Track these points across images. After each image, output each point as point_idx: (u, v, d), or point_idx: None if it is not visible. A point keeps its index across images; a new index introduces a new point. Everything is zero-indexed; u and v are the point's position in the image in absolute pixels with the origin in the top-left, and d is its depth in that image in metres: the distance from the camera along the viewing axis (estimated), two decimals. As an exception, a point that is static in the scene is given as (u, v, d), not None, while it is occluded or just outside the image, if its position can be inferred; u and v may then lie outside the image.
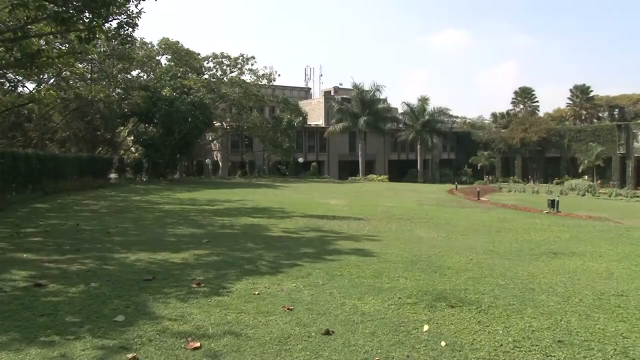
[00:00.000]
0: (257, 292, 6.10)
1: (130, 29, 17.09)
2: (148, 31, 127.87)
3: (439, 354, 4.29)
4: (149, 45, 43.43)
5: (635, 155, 56.78)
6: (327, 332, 4.73)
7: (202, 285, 6.41)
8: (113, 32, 16.95)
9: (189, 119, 35.98)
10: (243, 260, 8.14)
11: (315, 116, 63.20)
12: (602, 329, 5.01)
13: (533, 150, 62.98)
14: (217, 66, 47.09)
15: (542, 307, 5.71)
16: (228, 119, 48.75)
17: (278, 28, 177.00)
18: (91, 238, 10.50)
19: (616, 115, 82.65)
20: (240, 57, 47.02)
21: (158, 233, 11.39)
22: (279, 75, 49.52)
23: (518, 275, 7.38)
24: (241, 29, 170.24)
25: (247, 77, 47.48)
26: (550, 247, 10.29)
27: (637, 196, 42.08)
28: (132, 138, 41.90)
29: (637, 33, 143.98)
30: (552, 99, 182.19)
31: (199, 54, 46.16)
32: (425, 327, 4.91)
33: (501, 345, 4.52)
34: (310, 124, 59.43)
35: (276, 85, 57.49)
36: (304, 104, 60.48)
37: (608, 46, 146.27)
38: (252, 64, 47.55)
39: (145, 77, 43.97)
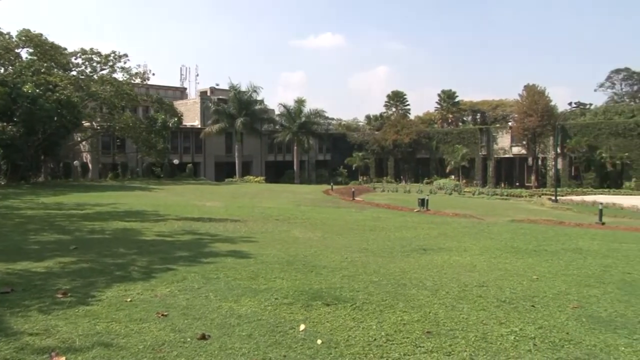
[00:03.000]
0: (129, 299, 5.84)
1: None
2: (5, 21, 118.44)
3: (315, 352, 4.35)
4: (7, 36, 39.99)
5: (495, 156, 61.43)
6: (203, 337, 4.63)
7: (69, 294, 6.02)
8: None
9: (55, 118, 33.83)
10: (114, 267, 7.76)
11: (191, 117, 61.88)
12: (466, 318, 5.35)
13: (405, 151, 65.94)
14: (87, 63, 44.43)
15: (412, 301, 5.98)
16: (98, 119, 46.22)
17: (152, 26, 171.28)
18: (-61, 248, 9.51)
19: (478, 119, 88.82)
20: (112, 55, 44.77)
21: (18, 241, 10.55)
22: (153, 74, 48.23)
23: (390, 272, 7.68)
24: (112, 27, 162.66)
25: (119, 76, 45.29)
26: (420, 244, 10.82)
27: (497, 194, 45.53)
28: (-13, 138, 38.55)
29: (496, 44, 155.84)
30: (422, 103, 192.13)
31: (65, 49, 43.33)
32: (302, 327, 4.96)
33: (375, 339, 4.68)
34: (185, 125, 58.12)
35: (150, 85, 55.63)
36: (179, 104, 58.99)
37: (472, 55, 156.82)
38: (125, 62, 45.42)
39: (2, 71, 40.52)
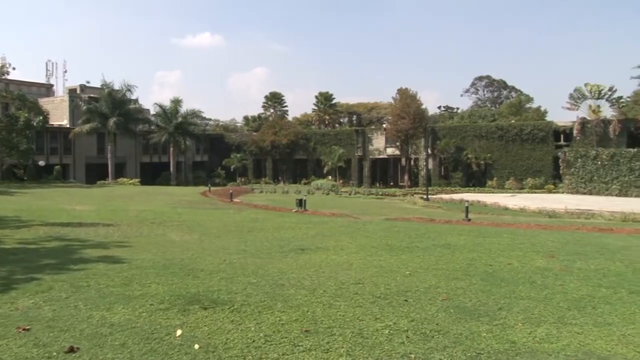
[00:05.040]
0: (-16, 314, 5.37)
1: None
2: None
3: (193, 358, 4.26)
4: None
5: (370, 157, 63.55)
6: (72, 350, 4.36)
7: None
8: None
9: None
10: (-32, 279, 7.10)
11: (59, 115, 58.18)
12: (343, 315, 5.49)
13: (283, 152, 66.33)
14: None
15: (291, 301, 6.03)
16: (-53, 116, 42.22)
17: (12, 16, 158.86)
18: None
19: (354, 121, 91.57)
20: (-36, 46, 41.13)
21: None
22: (14, 68, 44.51)
23: (269, 273, 7.69)
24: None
25: (-28, 69, 41.67)
26: (298, 244, 10.93)
27: (372, 194, 47.18)
28: None
29: (371, 48, 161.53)
30: (300, 104, 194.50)
31: None
32: (179, 332, 4.84)
33: (253, 341, 4.66)
34: (52, 124, 54.55)
35: (10, 80, 51.69)
36: (45, 102, 55.25)
37: (348, 58, 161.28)
38: (-20, 54, 41.93)
39: None
